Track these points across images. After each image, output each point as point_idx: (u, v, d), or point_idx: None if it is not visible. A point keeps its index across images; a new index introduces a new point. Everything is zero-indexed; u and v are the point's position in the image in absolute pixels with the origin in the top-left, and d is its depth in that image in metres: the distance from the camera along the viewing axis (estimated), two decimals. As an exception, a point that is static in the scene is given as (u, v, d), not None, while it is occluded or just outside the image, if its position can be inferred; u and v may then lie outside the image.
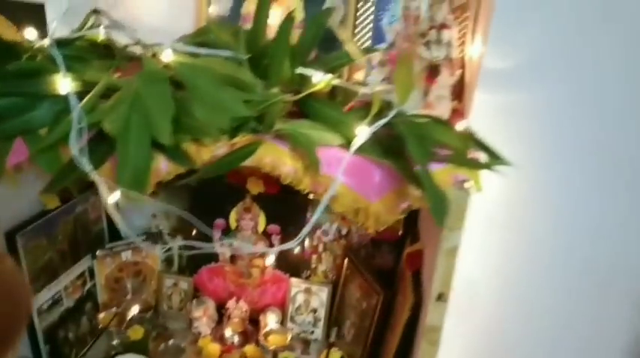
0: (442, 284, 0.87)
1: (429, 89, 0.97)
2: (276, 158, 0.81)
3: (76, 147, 0.76)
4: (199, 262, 1.37)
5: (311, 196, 0.85)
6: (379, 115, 0.81)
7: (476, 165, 0.78)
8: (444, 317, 0.90)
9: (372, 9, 1.05)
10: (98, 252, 1.29)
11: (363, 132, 0.77)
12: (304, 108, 0.86)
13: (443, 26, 0.94)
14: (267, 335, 1.25)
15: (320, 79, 0.83)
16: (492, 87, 0.92)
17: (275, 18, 1.02)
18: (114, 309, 1.25)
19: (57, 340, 1.18)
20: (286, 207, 1.27)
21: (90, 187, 1.15)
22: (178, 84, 0.83)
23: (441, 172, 0.78)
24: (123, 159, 0.77)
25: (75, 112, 0.77)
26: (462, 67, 1.01)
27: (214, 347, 1.26)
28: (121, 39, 0.95)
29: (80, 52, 0.89)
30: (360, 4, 1.05)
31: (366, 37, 1.06)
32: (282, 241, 1.30)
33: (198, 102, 0.81)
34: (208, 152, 0.81)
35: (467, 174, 0.78)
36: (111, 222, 1.36)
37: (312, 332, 1.34)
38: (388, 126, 0.80)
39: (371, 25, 1.05)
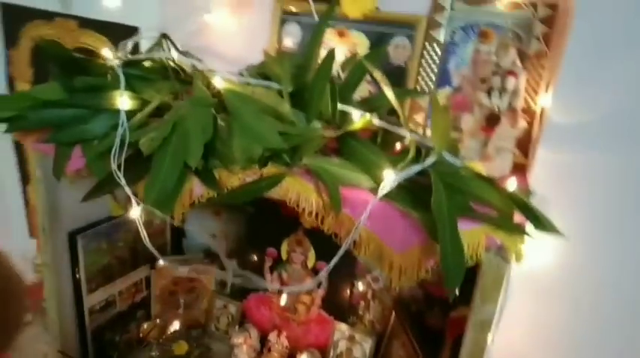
0: (471, 359, 0.77)
1: (489, 139, 0.88)
2: (301, 192, 0.79)
3: (114, 161, 0.81)
4: (250, 288, 1.37)
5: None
6: (416, 162, 0.75)
7: (515, 229, 0.69)
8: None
9: (439, 51, 0.99)
10: (156, 264, 1.34)
11: (389, 177, 0.72)
12: (342, 145, 0.83)
13: (509, 73, 0.86)
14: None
15: (359, 118, 0.80)
16: (557, 144, 0.81)
17: (340, 54, 1.01)
18: (156, 321, 1.29)
19: (104, 341, 1.24)
20: (337, 245, 1.23)
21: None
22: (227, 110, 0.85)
23: (473, 232, 0.70)
24: (153, 178, 0.79)
25: (120, 128, 0.82)
26: (531, 119, 0.91)
27: (247, 379, 1.24)
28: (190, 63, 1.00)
29: (147, 73, 0.95)
30: (428, 44, 1.00)
31: (430, 79, 1.00)
32: (330, 280, 1.26)
33: (238, 129, 0.82)
34: (237, 179, 0.81)
35: (504, 238, 0.69)
36: (174, 236, 1.42)
37: (350, 383, 1.26)
38: (425, 175, 0.74)
39: (436, 68, 1.00)
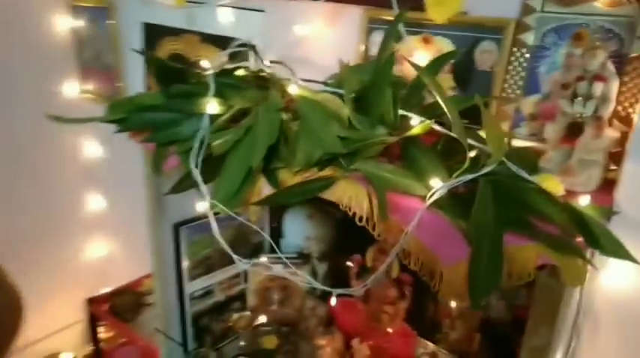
0: (526, 389, 0.71)
1: (572, 151, 0.80)
2: (353, 196, 0.79)
3: (193, 160, 0.90)
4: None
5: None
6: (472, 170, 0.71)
7: (575, 250, 0.61)
8: None
9: (528, 55, 0.92)
10: (254, 260, 1.43)
11: (437, 185, 0.69)
12: (403, 151, 0.81)
13: (597, 77, 0.77)
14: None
15: (418, 123, 0.78)
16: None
17: (424, 60, 0.99)
18: (245, 313, 1.37)
19: (201, 326, 1.36)
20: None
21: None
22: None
23: (524, 248, 0.64)
24: (223, 177, 0.86)
25: (200, 131, 0.91)
26: (628, 129, 0.80)
27: (327, 380, 1.26)
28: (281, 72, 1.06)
29: (237, 81, 1.03)
30: (516, 48, 0.93)
31: (517, 85, 0.94)
32: (414, 293, 1.23)
33: (304, 133, 0.85)
34: (294, 179, 0.84)
35: (559, 260, 0.62)
36: (273, 236, 1.51)
37: (430, 402, 1.21)
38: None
39: (524, 73, 0.93)
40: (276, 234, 1.49)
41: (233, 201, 0.86)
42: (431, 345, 1.23)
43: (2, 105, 1.87)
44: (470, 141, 0.73)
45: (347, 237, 1.35)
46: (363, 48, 1.13)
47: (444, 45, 1.02)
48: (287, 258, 1.43)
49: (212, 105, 0.95)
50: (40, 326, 2.22)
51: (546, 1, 0.90)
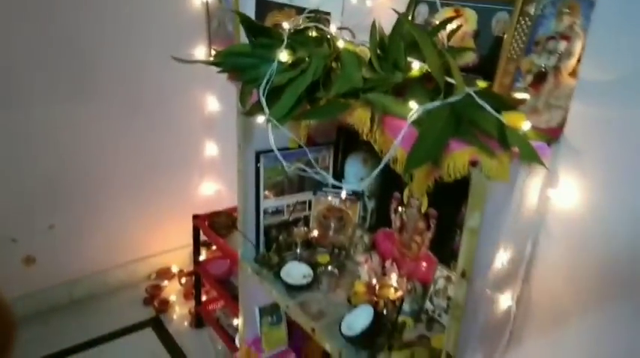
0: (465, 262, 0.95)
1: (538, 96, 1.01)
2: (362, 118, 1.08)
3: (261, 91, 1.24)
4: (381, 224, 1.68)
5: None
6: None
7: (486, 149, 0.85)
8: (466, 294, 0.96)
9: (530, 23, 1.12)
10: (316, 191, 1.76)
11: (413, 108, 0.96)
12: (408, 89, 1.08)
13: (562, 37, 0.97)
14: (382, 286, 1.47)
15: (417, 67, 1.05)
16: (588, 99, 0.89)
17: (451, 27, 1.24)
18: (303, 229, 1.71)
19: (271, 236, 1.73)
20: (446, 196, 1.43)
21: (321, 144, 1.66)
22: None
23: (462, 152, 0.89)
24: (279, 103, 1.19)
25: (269, 71, 1.25)
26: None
27: (360, 288, 1.56)
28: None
29: (306, 39, 1.36)
30: (521, 17, 1.14)
31: (519, 47, 1.14)
32: (437, 225, 1.47)
33: (342, 74, 1.16)
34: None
35: (483, 159, 0.86)
36: (336, 175, 1.82)
37: (440, 316, 1.45)
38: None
39: (525, 37, 1.13)
40: (339, 174, 1.81)
41: (283, 119, 1.19)
42: (447, 270, 1.46)
43: (148, 63, 2.40)
44: (447, 78, 0.98)
45: (390, 179, 1.61)
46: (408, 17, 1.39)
47: (470, 15, 1.25)
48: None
49: (283, 54, 1.29)
50: (158, 244, 2.78)
51: (547, -21, 1.09)
